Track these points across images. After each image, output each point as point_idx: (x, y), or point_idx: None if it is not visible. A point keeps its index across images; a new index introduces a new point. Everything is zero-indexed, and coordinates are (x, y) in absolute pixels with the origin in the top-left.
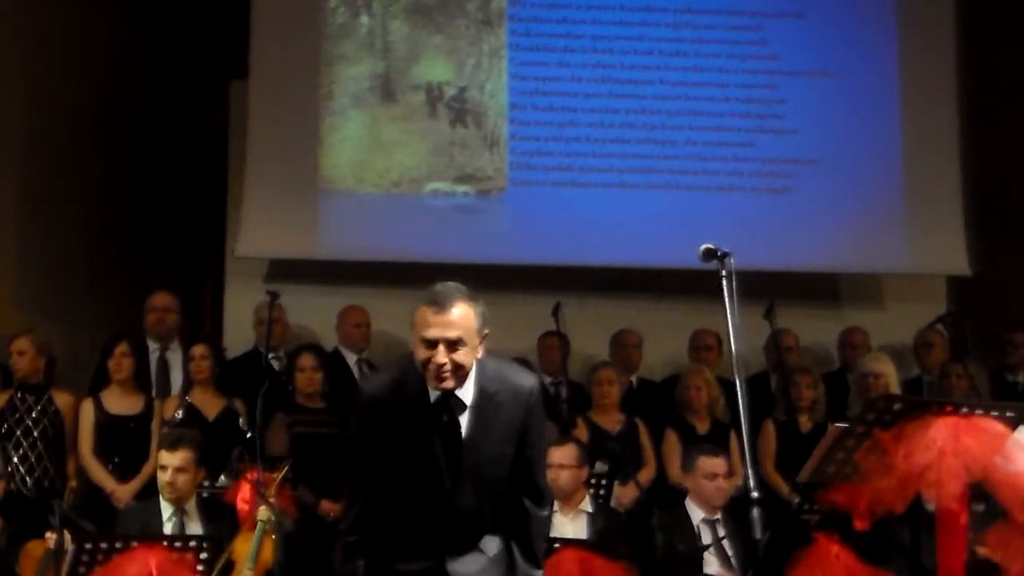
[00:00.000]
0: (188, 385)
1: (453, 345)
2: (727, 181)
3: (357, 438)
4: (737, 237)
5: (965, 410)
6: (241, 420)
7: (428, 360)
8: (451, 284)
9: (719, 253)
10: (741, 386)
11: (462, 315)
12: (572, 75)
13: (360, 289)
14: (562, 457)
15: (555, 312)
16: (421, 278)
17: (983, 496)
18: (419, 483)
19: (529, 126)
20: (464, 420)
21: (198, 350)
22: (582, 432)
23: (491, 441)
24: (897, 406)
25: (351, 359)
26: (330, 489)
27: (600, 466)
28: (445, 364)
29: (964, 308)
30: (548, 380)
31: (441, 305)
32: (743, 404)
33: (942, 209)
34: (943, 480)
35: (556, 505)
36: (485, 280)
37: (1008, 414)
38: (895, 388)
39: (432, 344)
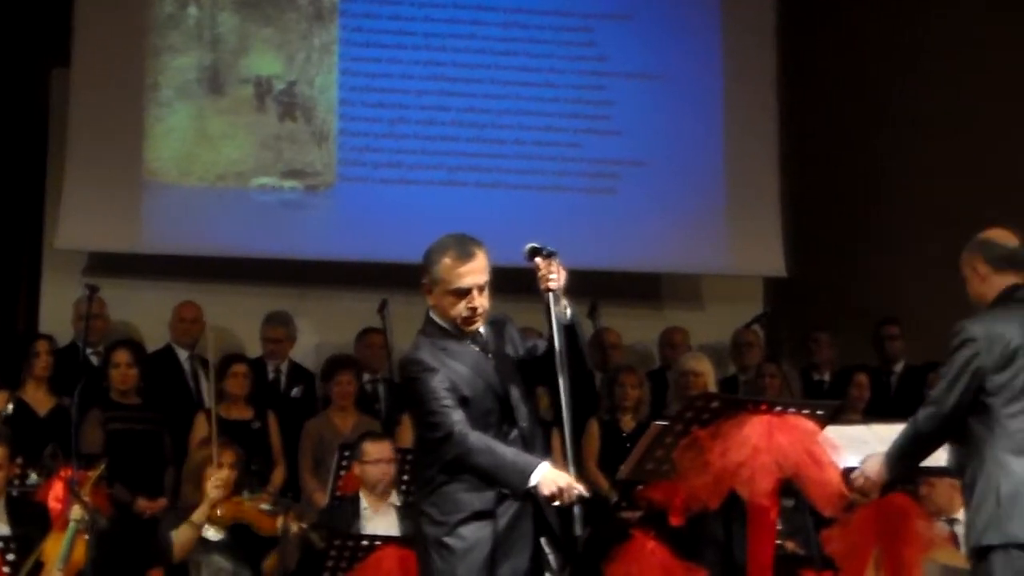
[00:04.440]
0: (16, 380)
1: (482, 289)
2: (554, 181)
3: (432, 389)
4: (563, 236)
5: (778, 408)
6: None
7: (465, 307)
8: (461, 234)
9: (545, 252)
10: (564, 385)
11: (485, 260)
12: (403, 72)
13: (188, 284)
14: (379, 452)
15: (381, 309)
16: (248, 273)
17: (792, 492)
18: (488, 415)
19: (359, 122)
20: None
21: (42, 346)
22: (407, 431)
23: (511, 366)
24: (715, 404)
25: (183, 355)
26: (146, 486)
27: None
28: (480, 307)
29: (779, 309)
30: (367, 378)
31: (470, 254)
32: (566, 402)
33: (761, 212)
34: (756, 477)
35: (365, 501)
36: (312, 276)
37: (818, 412)
38: (713, 387)
39: (465, 292)
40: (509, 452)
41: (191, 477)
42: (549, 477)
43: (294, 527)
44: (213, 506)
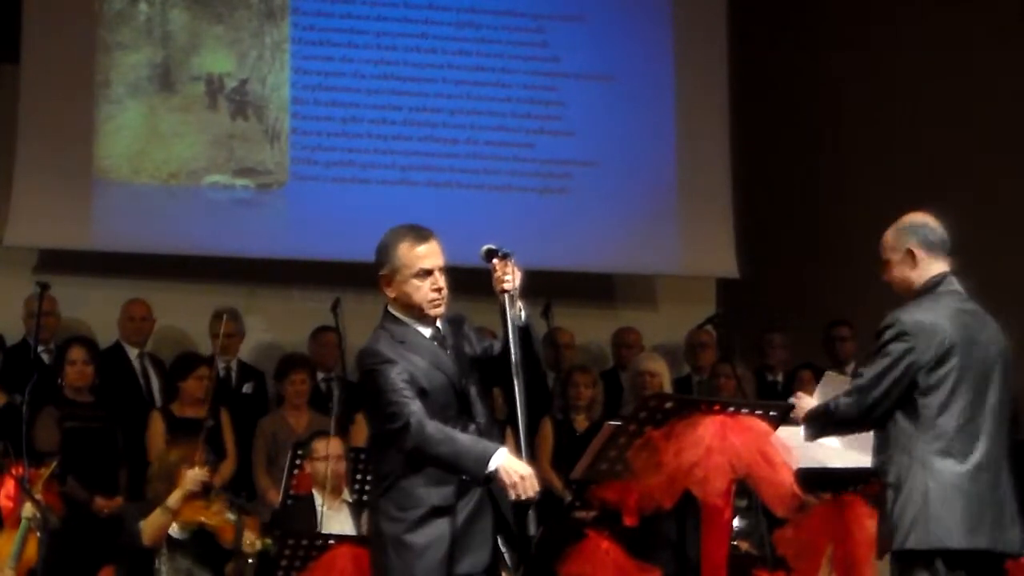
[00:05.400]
0: None
1: (442, 271)
2: (507, 180)
3: (391, 380)
4: (515, 236)
5: (732, 409)
6: None
7: (429, 289)
8: (411, 223)
9: (501, 253)
10: (519, 385)
11: (440, 245)
12: (355, 71)
13: (139, 282)
14: (332, 449)
15: (334, 308)
16: (200, 272)
17: (745, 492)
18: (447, 408)
19: (311, 121)
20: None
21: None
22: (361, 429)
23: (468, 363)
24: (668, 404)
25: (132, 353)
26: (101, 484)
27: None
28: (444, 288)
29: (731, 310)
30: (320, 376)
31: (426, 237)
32: (521, 403)
33: (713, 213)
34: (709, 477)
35: (319, 499)
36: (264, 274)
37: (771, 413)
38: (669, 387)
39: (428, 273)
40: (467, 439)
41: (164, 475)
42: (509, 464)
43: (257, 544)
44: (187, 498)
